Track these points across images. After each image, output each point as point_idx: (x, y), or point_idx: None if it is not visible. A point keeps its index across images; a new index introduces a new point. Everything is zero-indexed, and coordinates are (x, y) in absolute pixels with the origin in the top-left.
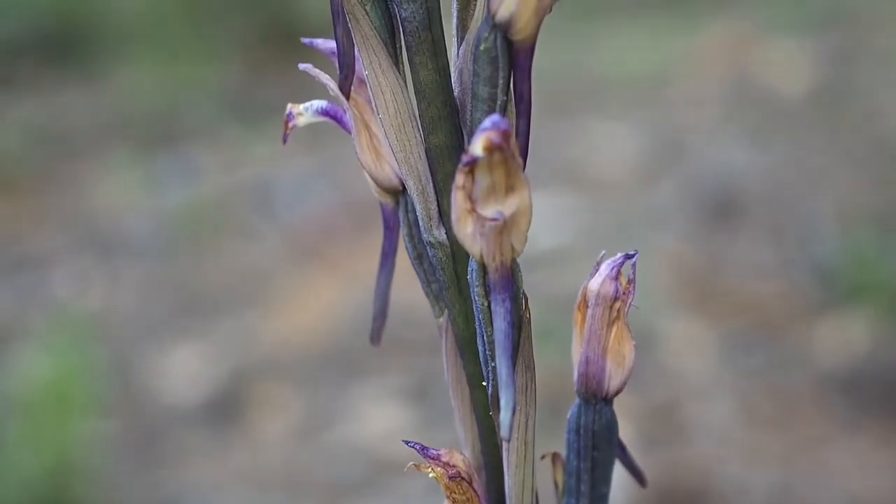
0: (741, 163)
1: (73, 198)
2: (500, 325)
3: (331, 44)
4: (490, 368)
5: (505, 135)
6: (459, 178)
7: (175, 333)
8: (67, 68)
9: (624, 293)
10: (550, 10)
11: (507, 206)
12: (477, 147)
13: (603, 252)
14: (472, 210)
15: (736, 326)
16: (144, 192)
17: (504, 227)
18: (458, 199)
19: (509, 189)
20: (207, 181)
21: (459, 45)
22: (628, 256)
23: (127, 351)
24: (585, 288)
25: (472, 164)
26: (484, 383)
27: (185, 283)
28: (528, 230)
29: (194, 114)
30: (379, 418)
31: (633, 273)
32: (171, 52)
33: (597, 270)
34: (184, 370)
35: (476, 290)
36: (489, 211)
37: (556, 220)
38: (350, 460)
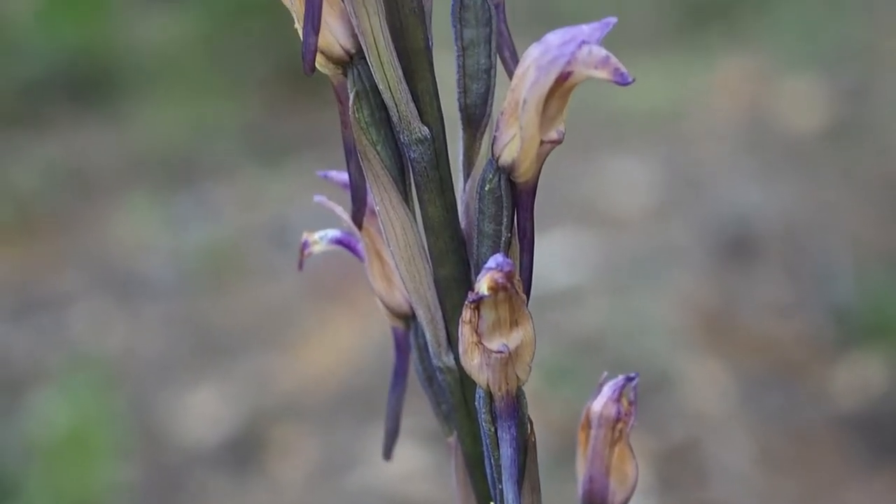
0: (756, 199)
1: (93, 237)
2: (507, 451)
3: (344, 176)
4: (497, 490)
5: (509, 275)
6: (466, 314)
7: (194, 374)
8: (88, 107)
9: (626, 415)
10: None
11: (512, 339)
12: (483, 286)
13: (605, 374)
14: (479, 343)
15: (752, 366)
16: (163, 231)
17: (509, 359)
18: (465, 333)
19: (514, 323)
20: (226, 219)
21: (465, 180)
22: (629, 379)
23: (145, 393)
24: (588, 409)
25: (479, 301)
26: (492, 503)
27: (203, 323)
28: (532, 361)
29: (213, 152)
30: (397, 460)
31: (635, 395)
32: (190, 90)
33: (599, 392)
34: (203, 412)
35: (483, 417)
36: (495, 344)
37: (570, 258)
38: (369, 502)
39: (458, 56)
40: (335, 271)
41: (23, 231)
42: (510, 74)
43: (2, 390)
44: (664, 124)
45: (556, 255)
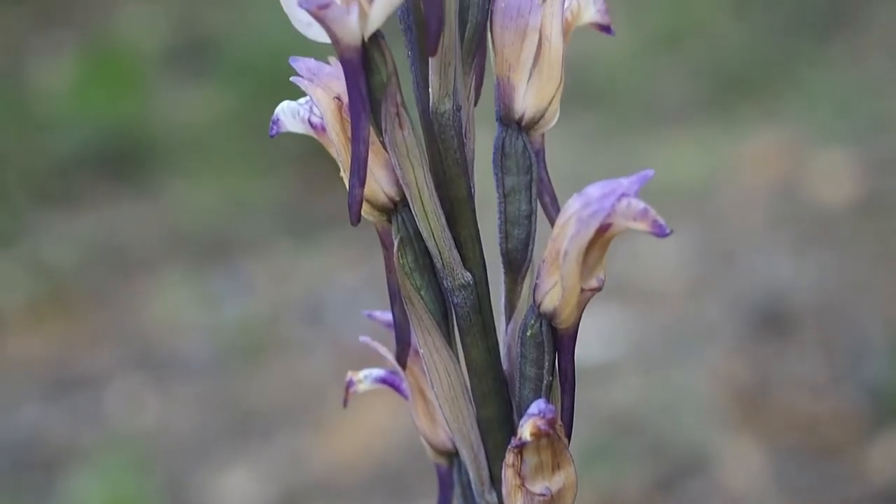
0: (789, 274)
1: (128, 314)
2: None
3: (388, 317)
4: None
5: (551, 421)
6: (510, 458)
7: (228, 453)
8: (122, 184)
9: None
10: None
11: (554, 482)
12: (525, 432)
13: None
14: (522, 486)
15: (787, 443)
16: (198, 308)
17: (552, 502)
18: (508, 476)
19: (556, 467)
20: (260, 296)
21: (508, 323)
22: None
23: (180, 472)
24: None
25: (522, 446)
26: None
27: (237, 400)
28: (573, 502)
29: (247, 228)
30: None
31: None
32: (225, 166)
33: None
34: (236, 491)
35: None
36: (538, 487)
37: (604, 334)
38: None
39: (500, 202)
40: (368, 348)
41: (58, 308)
42: (550, 220)
43: (37, 469)
44: (696, 198)
45: (590, 331)
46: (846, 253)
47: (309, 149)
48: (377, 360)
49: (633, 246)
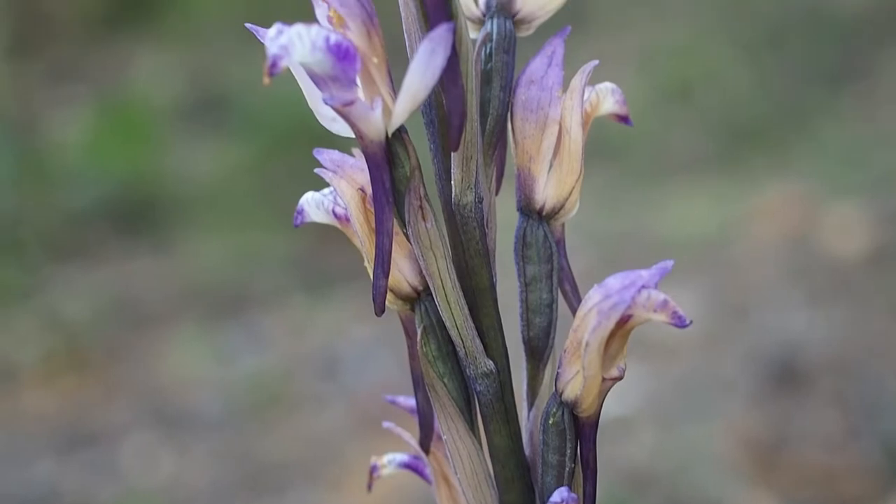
0: (803, 327)
1: (142, 369)
2: None
3: (411, 403)
4: None
5: None
6: None
7: None
8: (136, 238)
9: None
10: (619, 378)
11: None
12: None
13: None
14: None
15: (803, 498)
16: (212, 363)
17: None
18: None
19: None
20: (274, 350)
21: (530, 409)
22: None
23: None
24: None
25: None
26: None
27: (251, 456)
28: None
29: (261, 282)
30: None
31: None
32: (238, 220)
33: None
34: None
35: None
36: None
37: (619, 388)
38: None
39: (521, 291)
40: (382, 401)
41: (72, 363)
42: (571, 308)
43: None
44: (709, 251)
45: None
46: (860, 306)
47: None
48: (390, 417)
49: None
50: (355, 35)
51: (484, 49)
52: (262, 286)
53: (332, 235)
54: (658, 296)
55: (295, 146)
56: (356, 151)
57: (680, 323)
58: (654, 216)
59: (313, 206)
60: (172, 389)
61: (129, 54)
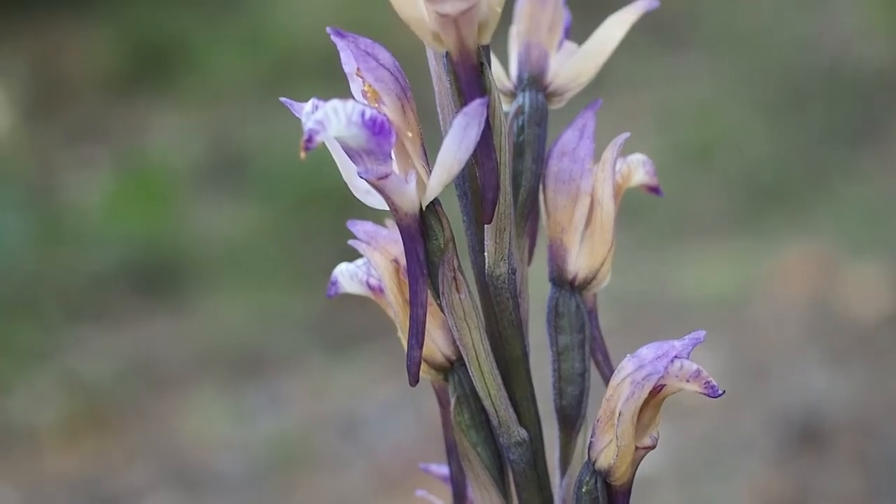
0: (823, 388)
1: (162, 431)
2: None
3: (444, 471)
4: None
5: None
6: None
7: None
8: (156, 299)
9: None
10: (648, 449)
11: None
12: None
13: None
14: None
15: None
16: (232, 424)
17: None
18: None
19: None
20: (294, 412)
21: (562, 477)
22: None
23: None
24: None
25: None
26: None
27: None
28: None
29: (281, 343)
30: None
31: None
32: (257, 281)
33: None
34: None
35: None
36: None
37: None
38: None
39: (554, 360)
40: (405, 462)
41: (93, 424)
42: (603, 377)
43: None
44: (729, 311)
45: None
46: (881, 366)
47: (340, 262)
48: (410, 481)
49: None
50: (390, 109)
51: (516, 122)
52: (281, 347)
53: (351, 296)
54: (691, 366)
55: (313, 208)
56: (389, 223)
57: (713, 393)
58: (673, 276)
59: (347, 277)
60: (192, 450)
61: (147, 116)
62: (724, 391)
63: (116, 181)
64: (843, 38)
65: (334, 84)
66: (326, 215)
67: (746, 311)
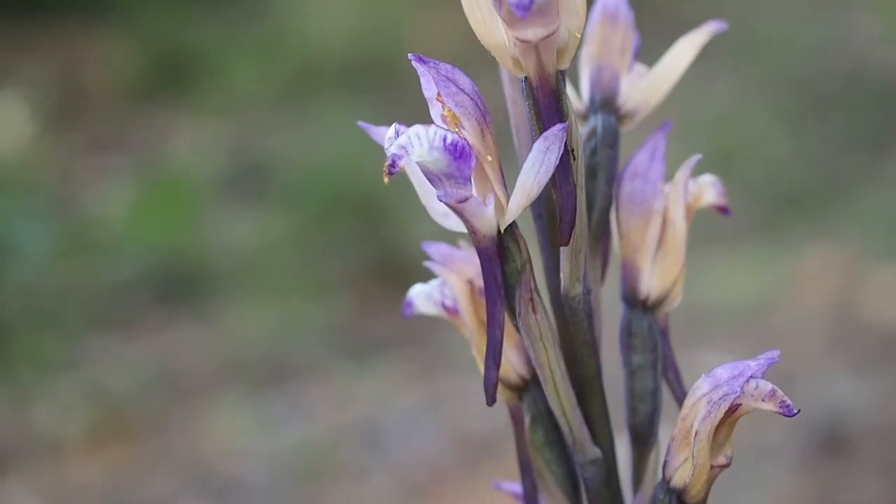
0: (848, 395)
1: (185, 440)
2: None
3: (515, 488)
4: None
5: None
6: None
7: None
8: (178, 309)
9: None
10: (720, 468)
11: None
12: None
13: None
14: None
15: None
16: (256, 433)
17: None
18: None
19: None
20: (318, 420)
21: (635, 494)
22: None
23: None
24: None
25: None
26: None
27: None
28: None
29: (304, 351)
30: None
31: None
32: (280, 290)
33: None
34: None
35: None
36: None
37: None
38: None
39: (627, 379)
40: (429, 470)
41: (116, 434)
42: (675, 395)
43: None
44: (752, 317)
45: None
46: None
47: (363, 271)
48: (434, 488)
49: (689, 365)
50: (470, 134)
51: (589, 144)
52: (304, 355)
53: (373, 304)
54: (766, 385)
55: (335, 216)
56: (463, 244)
57: (788, 412)
58: (696, 283)
59: (423, 298)
60: (217, 460)
61: (168, 125)
62: (799, 410)
63: (138, 191)
64: (863, 44)
65: (354, 93)
66: (348, 224)
67: (770, 318)
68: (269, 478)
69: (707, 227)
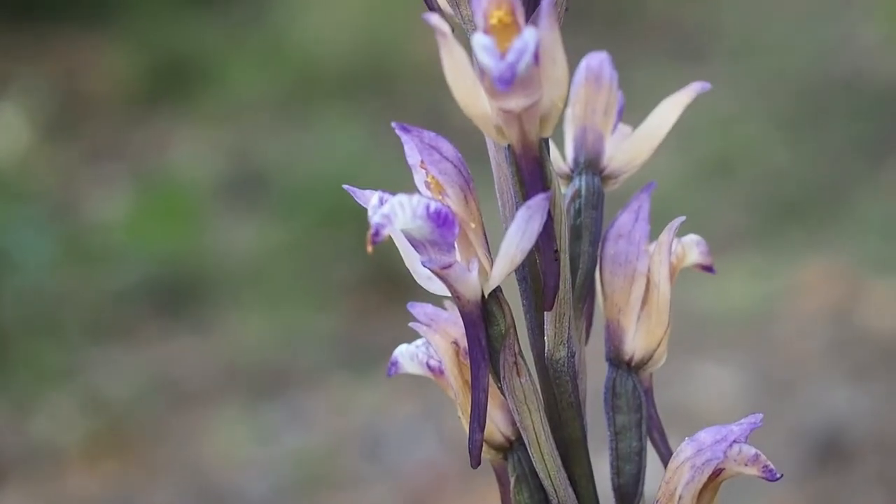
0: (846, 404)
1: (185, 450)
2: None
3: None
4: None
5: None
6: None
7: None
8: (178, 317)
9: None
10: None
11: None
12: None
13: None
14: None
15: None
16: (255, 442)
17: None
18: None
19: None
20: (317, 429)
21: None
22: None
23: None
24: None
25: None
26: None
27: None
28: None
29: (303, 361)
30: None
31: None
32: (279, 299)
33: None
34: None
35: None
36: None
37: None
38: None
39: (611, 439)
40: (428, 479)
41: (115, 444)
42: (660, 455)
43: None
44: (750, 326)
45: (648, 466)
46: None
47: (363, 280)
48: (434, 498)
49: (688, 376)
50: (453, 201)
51: (573, 205)
52: (303, 364)
53: (372, 313)
54: (749, 450)
55: (335, 225)
56: (448, 304)
57: (771, 476)
58: (694, 291)
59: (407, 358)
60: (216, 469)
61: (167, 132)
62: (782, 474)
63: (137, 198)
64: (861, 51)
65: (353, 101)
66: (348, 232)
67: (768, 327)
68: (268, 487)
69: (704, 234)
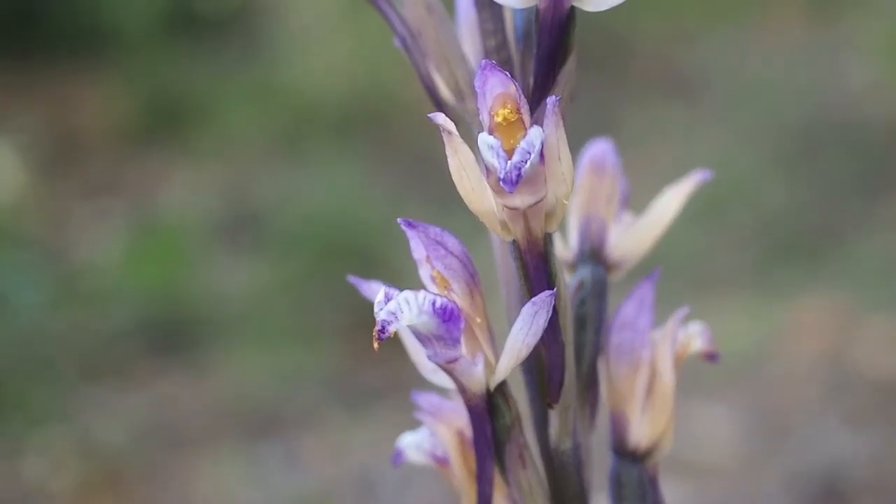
0: (843, 446)
1: (179, 492)
2: None
3: None
4: None
5: None
6: None
7: None
8: (171, 357)
9: None
10: None
11: None
12: None
13: None
14: None
15: None
16: (249, 485)
17: None
18: None
19: None
20: (312, 470)
21: None
22: None
23: None
24: None
25: None
26: None
27: None
28: None
29: (297, 401)
30: None
31: None
32: (273, 339)
33: None
34: None
35: None
36: None
37: None
38: None
39: None
40: None
41: (108, 487)
42: None
43: None
44: (746, 367)
45: None
46: None
47: (356, 321)
48: None
49: (684, 419)
50: (459, 296)
51: (578, 295)
52: (298, 405)
53: (366, 353)
54: None
55: (329, 264)
56: (453, 393)
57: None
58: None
59: (413, 448)
60: None
61: (161, 171)
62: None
63: (131, 238)
64: (853, 91)
65: (347, 141)
66: (342, 272)
67: (764, 368)
68: None
69: (700, 274)
